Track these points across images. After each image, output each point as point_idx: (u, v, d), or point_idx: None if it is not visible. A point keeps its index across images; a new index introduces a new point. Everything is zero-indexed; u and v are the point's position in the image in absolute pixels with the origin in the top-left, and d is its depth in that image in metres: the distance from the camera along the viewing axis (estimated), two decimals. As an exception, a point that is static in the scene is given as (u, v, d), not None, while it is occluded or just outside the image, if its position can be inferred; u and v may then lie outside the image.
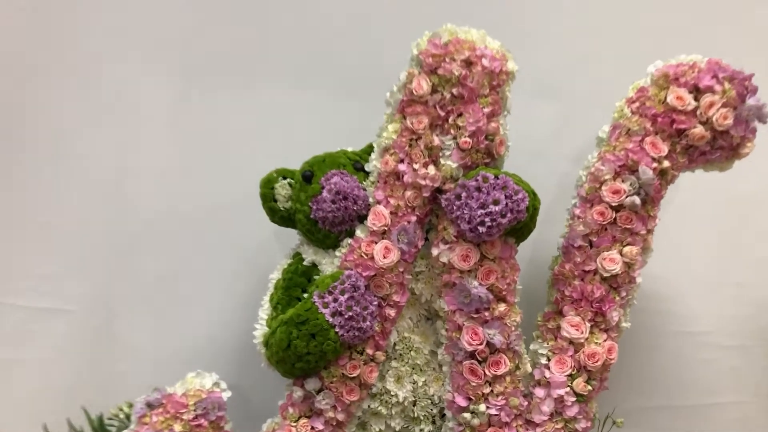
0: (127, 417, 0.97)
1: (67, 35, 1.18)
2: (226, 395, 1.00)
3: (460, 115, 0.88)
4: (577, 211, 0.97)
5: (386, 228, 0.93)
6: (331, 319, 0.91)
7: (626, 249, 0.94)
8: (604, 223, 0.93)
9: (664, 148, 0.91)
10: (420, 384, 0.99)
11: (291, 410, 0.97)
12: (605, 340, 0.97)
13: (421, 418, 0.99)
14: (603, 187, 0.93)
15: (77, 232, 1.20)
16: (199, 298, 1.24)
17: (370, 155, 0.97)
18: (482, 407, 0.94)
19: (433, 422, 1.00)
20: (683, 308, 1.23)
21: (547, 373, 0.97)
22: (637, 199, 0.92)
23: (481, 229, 0.87)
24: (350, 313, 0.91)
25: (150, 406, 0.95)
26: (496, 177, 0.87)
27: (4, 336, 1.20)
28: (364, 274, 0.93)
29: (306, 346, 0.91)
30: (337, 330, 0.91)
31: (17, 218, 1.20)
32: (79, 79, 1.20)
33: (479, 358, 0.94)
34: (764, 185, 1.20)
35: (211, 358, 1.20)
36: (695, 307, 1.23)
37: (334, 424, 0.96)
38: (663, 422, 1.20)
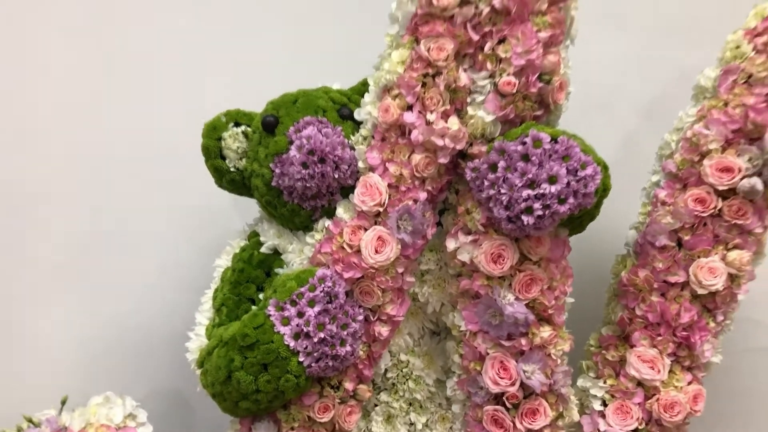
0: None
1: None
2: (145, 431, 0.85)
3: (502, 40, 0.74)
4: (663, 194, 0.82)
5: (381, 208, 0.79)
6: (292, 344, 0.74)
7: (732, 255, 0.79)
8: (705, 214, 0.79)
9: (807, 108, 0.77)
10: (419, 427, 0.87)
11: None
12: (689, 383, 0.83)
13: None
14: (705, 162, 0.79)
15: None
16: (126, 281, 1.11)
17: (363, 97, 0.82)
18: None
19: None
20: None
21: (602, 425, 0.84)
22: (758, 183, 0.77)
23: (527, 219, 0.72)
24: (322, 335, 0.75)
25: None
26: (555, 140, 0.72)
27: None
28: (347, 275, 0.79)
29: (254, 381, 0.74)
30: (301, 359, 0.75)
31: None
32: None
33: (508, 404, 0.81)
34: None
35: (144, 359, 1.11)
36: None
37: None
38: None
